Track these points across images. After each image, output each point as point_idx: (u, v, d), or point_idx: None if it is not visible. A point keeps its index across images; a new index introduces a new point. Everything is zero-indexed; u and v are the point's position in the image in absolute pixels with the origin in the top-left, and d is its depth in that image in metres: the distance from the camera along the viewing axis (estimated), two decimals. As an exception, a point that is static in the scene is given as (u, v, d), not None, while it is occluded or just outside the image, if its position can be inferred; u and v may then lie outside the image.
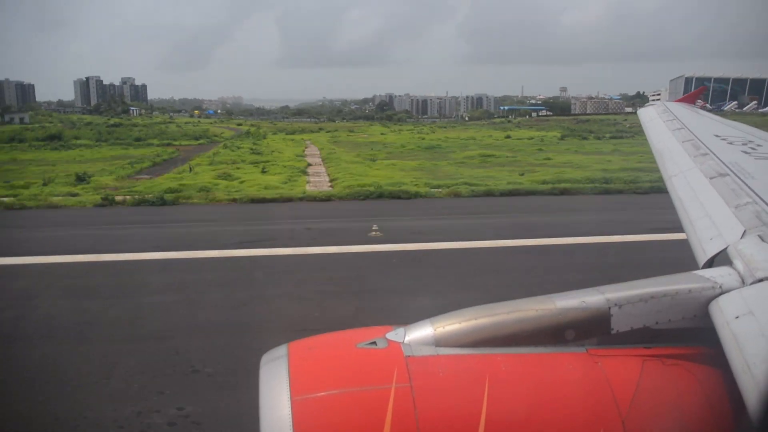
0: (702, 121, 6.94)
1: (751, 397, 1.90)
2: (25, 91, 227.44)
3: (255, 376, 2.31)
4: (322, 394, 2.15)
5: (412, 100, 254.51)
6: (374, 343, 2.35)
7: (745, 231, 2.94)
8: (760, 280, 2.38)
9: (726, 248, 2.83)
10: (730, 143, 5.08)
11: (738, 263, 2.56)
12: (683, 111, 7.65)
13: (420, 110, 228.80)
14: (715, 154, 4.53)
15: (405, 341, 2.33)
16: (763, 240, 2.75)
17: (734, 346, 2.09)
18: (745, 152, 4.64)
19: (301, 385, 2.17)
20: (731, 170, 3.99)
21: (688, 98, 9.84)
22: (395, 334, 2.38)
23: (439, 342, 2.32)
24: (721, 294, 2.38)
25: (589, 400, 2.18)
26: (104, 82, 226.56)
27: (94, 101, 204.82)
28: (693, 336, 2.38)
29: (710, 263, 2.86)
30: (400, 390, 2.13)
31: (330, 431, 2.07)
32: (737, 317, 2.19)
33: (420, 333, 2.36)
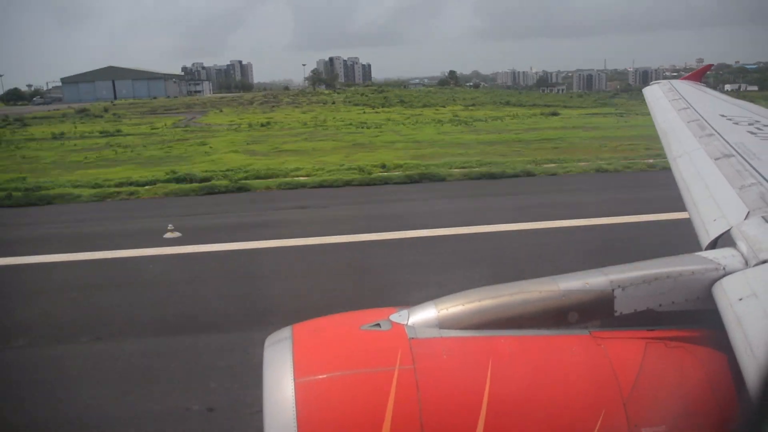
0: (708, 100, 6.87)
1: (753, 379, 1.91)
2: (245, 70, 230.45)
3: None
4: (326, 375, 2.17)
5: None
6: (378, 324, 2.35)
7: (749, 212, 2.92)
8: (764, 262, 2.36)
9: (729, 229, 2.81)
10: (736, 123, 5.03)
11: (741, 245, 2.55)
12: (689, 89, 7.56)
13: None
14: (720, 135, 4.49)
15: (408, 323, 2.34)
16: (767, 221, 2.74)
17: (737, 328, 2.09)
18: (751, 132, 4.59)
19: (304, 367, 2.18)
20: (736, 151, 3.96)
21: (695, 76, 9.72)
22: (399, 316, 2.39)
23: (442, 324, 2.33)
24: (724, 276, 2.37)
25: (592, 382, 2.19)
26: (348, 63, 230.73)
27: (342, 80, 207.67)
28: (696, 318, 2.38)
29: (714, 244, 2.85)
30: (404, 372, 2.14)
31: (333, 413, 2.08)
32: (740, 299, 2.19)
33: (424, 315, 2.36)
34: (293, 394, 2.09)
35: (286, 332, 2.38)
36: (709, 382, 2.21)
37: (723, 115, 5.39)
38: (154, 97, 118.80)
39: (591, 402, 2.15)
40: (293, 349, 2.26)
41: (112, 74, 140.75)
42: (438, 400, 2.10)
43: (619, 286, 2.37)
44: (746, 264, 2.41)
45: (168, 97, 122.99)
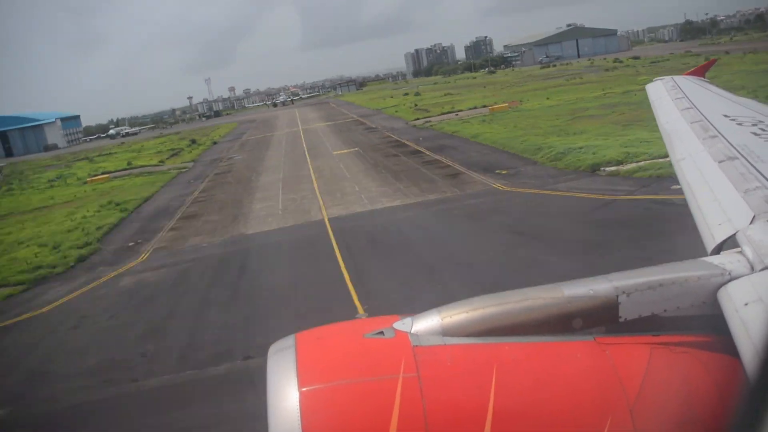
0: (711, 98, 6.82)
1: (759, 384, 1.90)
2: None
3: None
4: (330, 384, 2.16)
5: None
6: (381, 333, 2.35)
7: (754, 216, 2.91)
8: None
9: (735, 234, 2.80)
10: (740, 124, 5.00)
11: (747, 249, 2.53)
12: (692, 87, 7.50)
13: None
14: (724, 137, 4.46)
15: (412, 331, 2.33)
16: None
17: (743, 333, 2.08)
18: (755, 134, 4.57)
19: (308, 376, 2.18)
20: (740, 153, 3.94)
21: (698, 71, 9.61)
22: (402, 324, 2.38)
23: (446, 331, 2.32)
24: (729, 281, 2.36)
25: (597, 388, 2.18)
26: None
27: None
28: (702, 323, 2.37)
29: (719, 249, 2.84)
30: (408, 380, 2.13)
31: (338, 422, 2.08)
32: (746, 304, 2.18)
33: (427, 323, 2.36)
34: (298, 403, 2.09)
35: (289, 341, 2.38)
36: (715, 388, 2.20)
37: (726, 116, 5.36)
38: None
39: (597, 409, 2.14)
40: (297, 358, 2.25)
41: (575, 34, 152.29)
42: (443, 408, 2.09)
43: (623, 293, 2.36)
44: (752, 269, 2.40)
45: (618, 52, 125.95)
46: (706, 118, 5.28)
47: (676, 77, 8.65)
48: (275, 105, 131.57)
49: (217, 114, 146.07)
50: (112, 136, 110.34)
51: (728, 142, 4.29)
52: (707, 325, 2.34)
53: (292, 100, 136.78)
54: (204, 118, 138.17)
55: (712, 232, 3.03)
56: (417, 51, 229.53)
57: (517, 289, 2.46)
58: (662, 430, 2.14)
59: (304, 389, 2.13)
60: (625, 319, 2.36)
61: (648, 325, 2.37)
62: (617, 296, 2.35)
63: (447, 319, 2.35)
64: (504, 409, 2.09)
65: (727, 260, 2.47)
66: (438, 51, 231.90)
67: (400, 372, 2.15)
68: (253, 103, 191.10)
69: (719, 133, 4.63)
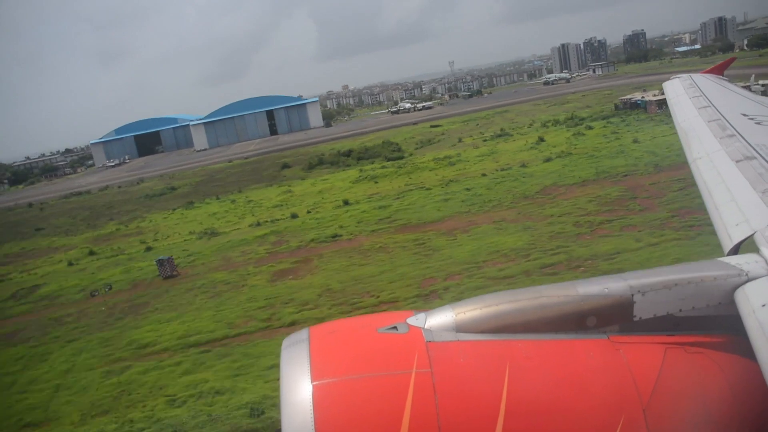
0: (729, 97, 6.74)
1: None
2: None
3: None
4: (343, 378, 2.18)
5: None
6: (395, 328, 2.36)
7: None
8: None
9: (753, 234, 2.77)
10: (758, 123, 4.93)
11: (765, 250, 2.51)
12: (710, 85, 7.41)
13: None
14: (742, 136, 4.41)
15: (426, 327, 2.34)
16: None
17: (760, 334, 2.06)
18: None
19: (321, 370, 2.19)
20: (759, 153, 3.89)
21: (717, 69, 9.50)
22: (416, 320, 2.39)
23: (460, 328, 2.33)
24: (747, 282, 2.34)
25: (610, 387, 2.17)
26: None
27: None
28: (717, 324, 2.35)
29: (736, 250, 2.82)
30: (421, 375, 2.14)
31: (350, 416, 2.09)
32: (764, 305, 2.16)
33: (441, 318, 2.37)
34: (311, 396, 2.11)
35: (303, 334, 2.40)
36: (730, 389, 2.18)
37: (745, 114, 5.29)
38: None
39: (610, 408, 2.14)
40: (310, 351, 2.27)
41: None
42: (455, 404, 2.10)
43: (639, 292, 2.35)
44: None
45: None
46: (723, 117, 5.21)
47: (694, 75, 8.53)
48: (547, 84, 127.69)
49: (479, 92, 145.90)
50: (410, 110, 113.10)
51: (746, 141, 4.23)
52: (723, 325, 2.32)
53: (568, 79, 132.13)
54: (463, 98, 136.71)
55: (729, 233, 3.00)
56: (563, 45, 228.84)
57: (531, 287, 2.46)
58: (676, 430, 2.13)
59: (316, 383, 2.14)
60: (640, 318, 2.35)
61: (663, 324, 2.35)
62: (632, 295, 2.34)
63: (461, 316, 2.35)
64: (516, 406, 2.09)
65: (744, 261, 2.45)
66: (595, 44, 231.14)
67: (413, 367, 2.16)
68: (496, 83, 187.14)
69: (737, 132, 4.57)
